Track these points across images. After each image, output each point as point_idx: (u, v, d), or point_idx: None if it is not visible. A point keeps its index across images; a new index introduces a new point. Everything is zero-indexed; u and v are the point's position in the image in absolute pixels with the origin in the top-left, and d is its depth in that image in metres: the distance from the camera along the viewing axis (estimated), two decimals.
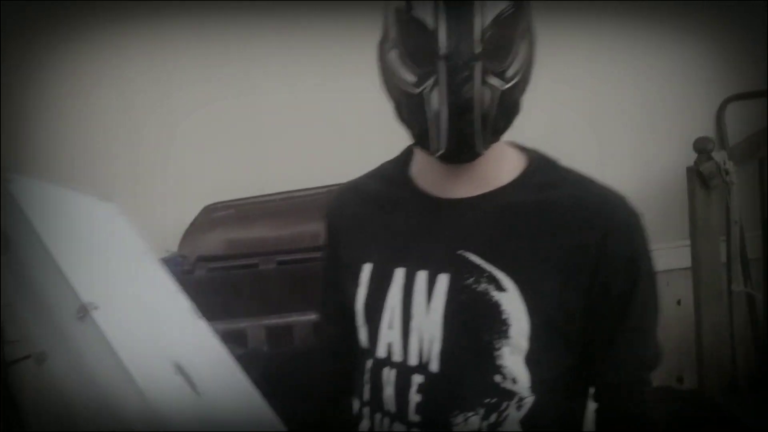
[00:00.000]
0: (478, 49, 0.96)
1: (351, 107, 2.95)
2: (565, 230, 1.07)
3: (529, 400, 1.07)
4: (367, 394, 1.17)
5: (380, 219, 1.20)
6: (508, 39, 1.00)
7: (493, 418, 1.07)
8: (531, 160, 1.16)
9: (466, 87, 0.96)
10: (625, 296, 1.08)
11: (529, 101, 1.09)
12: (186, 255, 2.31)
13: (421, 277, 1.11)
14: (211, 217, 2.62)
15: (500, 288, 1.06)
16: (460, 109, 0.97)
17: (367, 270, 1.17)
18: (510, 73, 1.01)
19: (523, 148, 1.18)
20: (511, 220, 1.09)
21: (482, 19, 0.96)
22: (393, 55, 1.04)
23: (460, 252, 1.09)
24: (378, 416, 1.14)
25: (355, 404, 1.22)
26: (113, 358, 1.07)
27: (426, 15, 0.97)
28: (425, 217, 1.14)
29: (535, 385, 1.07)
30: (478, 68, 0.96)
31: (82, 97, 2.95)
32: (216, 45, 2.98)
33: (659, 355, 1.14)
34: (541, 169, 1.15)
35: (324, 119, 3.04)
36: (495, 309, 1.05)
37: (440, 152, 1.02)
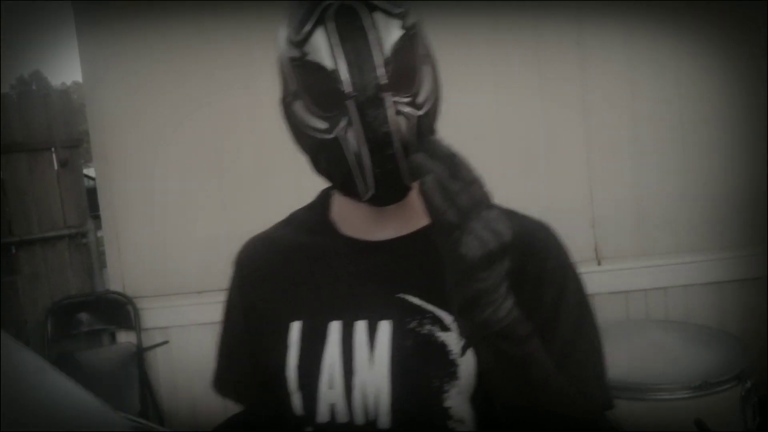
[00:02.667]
0: (383, 81, 0.93)
1: (466, 111, 3.00)
2: None
3: None
4: None
5: (304, 271, 1.11)
6: (410, 66, 0.98)
7: None
8: None
9: (381, 120, 0.93)
10: (552, 317, 1.03)
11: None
12: None
13: (361, 327, 1.03)
14: None
15: (444, 328, 1.01)
16: (379, 145, 0.93)
17: (296, 329, 1.06)
18: (420, 99, 0.98)
19: None
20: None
21: (381, 50, 0.93)
22: (298, 107, 1.01)
23: (399, 295, 1.03)
24: None
25: None
26: None
27: (322, 57, 0.94)
28: (356, 263, 1.08)
29: (480, 424, 1.01)
30: (388, 99, 0.93)
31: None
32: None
33: (605, 395, 1.05)
34: None
35: (438, 120, 3.09)
36: (442, 350, 1.00)
37: (370, 194, 0.97)
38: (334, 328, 1.04)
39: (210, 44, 3.11)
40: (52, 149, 3.89)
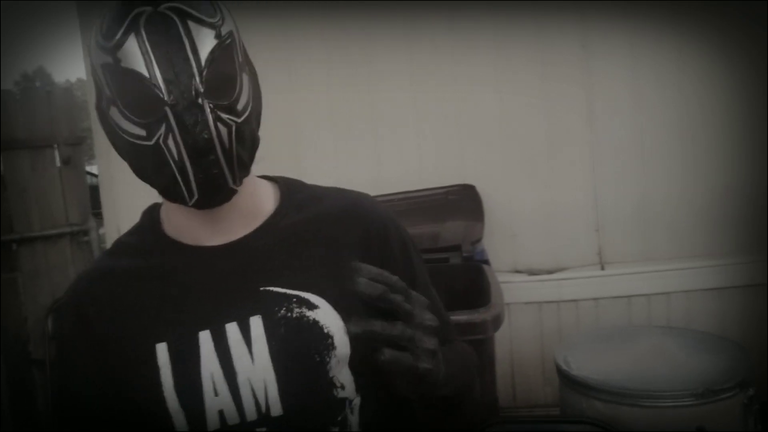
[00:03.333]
0: (202, 88, 0.94)
1: (468, 108, 2.99)
2: (337, 235, 1.12)
3: (357, 401, 1.08)
4: None
5: (154, 292, 1.08)
6: (228, 73, 0.99)
7: (340, 429, 1.06)
8: (282, 185, 1.19)
9: (201, 127, 0.94)
10: (409, 272, 1.15)
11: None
12: None
13: (232, 329, 1.05)
14: None
15: (312, 306, 1.05)
16: (201, 151, 0.94)
17: (162, 350, 1.04)
18: (240, 106, 1.00)
19: (270, 177, 1.21)
20: (290, 243, 1.10)
21: (196, 58, 0.94)
22: (114, 112, 1.00)
23: (262, 288, 1.06)
24: None
25: None
26: None
27: (137, 65, 0.94)
28: (209, 270, 1.08)
29: (359, 386, 1.08)
30: (207, 107, 0.94)
31: None
32: (338, 46, 3.12)
33: (443, 322, 1.09)
34: (293, 191, 1.18)
35: (441, 120, 3.07)
36: (316, 326, 1.04)
37: (195, 199, 0.99)
38: (205, 338, 1.04)
39: None
40: (55, 146, 3.89)
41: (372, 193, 1.31)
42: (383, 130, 3.26)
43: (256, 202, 1.13)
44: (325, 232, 1.12)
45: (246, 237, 1.10)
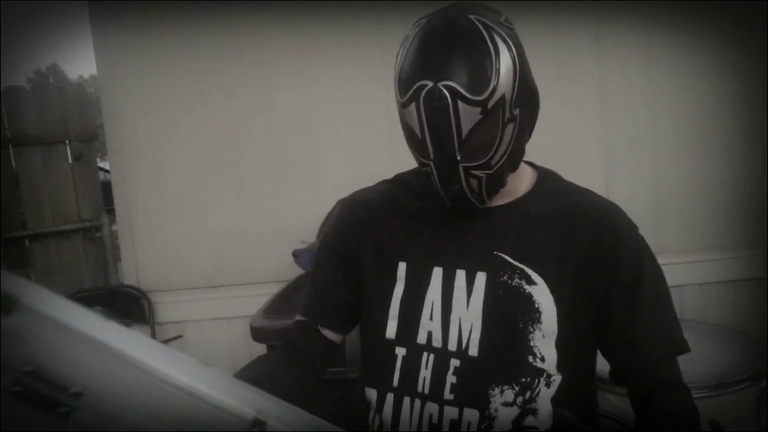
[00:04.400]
0: (459, 157, 1.13)
1: None
2: (577, 231, 1.26)
3: (557, 378, 1.22)
4: (396, 381, 1.27)
5: (412, 223, 1.33)
6: (489, 137, 1.15)
7: (527, 394, 1.21)
8: (540, 174, 1.36)
9: (454, 183, 1.16)
10: (634, 283, 1.25)
11: None
12: None
13: (460, 275, 1.26)
14: None
15: (531, 282, 1.23)
16: (454, 198, 1.19)
17: (402, 268, 1.30)
18: (494, 161, 1.17)
19: (533, 165, 1.39)
20: (532, 224, 1.27)
21: (458, 132, 1.11)
22: (405, 130, 1.21)
23: (495, 252, 1.25)
24: (407, 400, 1.26)
25: (370, 393, 1.32)
26: None
27: (414, 126, 1.15)
28: (460, 223, 1.28)
29: (562, 365, 1.22)
30: (461, 169, 1.15)
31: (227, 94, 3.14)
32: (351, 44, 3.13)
33: (679, 340, 1.29)
34: (548, 181, 1.35)
35: None
36: (528, 299, 1.22)
37: (448, 208, 1.23)
38: (437, 273, 1.27)
39: (226, 39, 3.10)
40: (67, 143, 3.90)
41: None
42: (397, 124, 3.26)
43: (516, 182, 1.29)
44: (563, 223, 1.27)
45: (498, 207, 1.28)
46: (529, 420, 1.21)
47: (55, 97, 3.92)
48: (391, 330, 1.29)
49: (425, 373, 1.25)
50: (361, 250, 1.36)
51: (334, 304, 1.39)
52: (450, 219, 1.29)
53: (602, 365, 2.27)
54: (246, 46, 3.10)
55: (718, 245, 3.11)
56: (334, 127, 3.16)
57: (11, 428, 0.69)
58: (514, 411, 1.21)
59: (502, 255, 1.25)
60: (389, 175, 1.48)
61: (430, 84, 1.10)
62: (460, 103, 1.10)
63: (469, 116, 1.11)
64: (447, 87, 1.09)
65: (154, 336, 3.31)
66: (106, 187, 3.74)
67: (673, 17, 3.00)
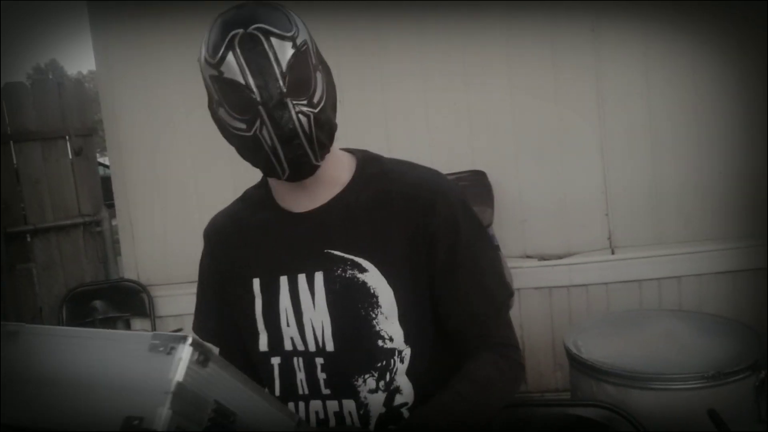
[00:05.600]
0: (284, 89, 1.19)
1: (478, 95, 3.08)
2: (397, 211, 1.33)
3: (407, 351, 1.32)
4: (277, 389, 1.38)
5: (257, 238, 1.42)
6: (305, 75, 1.23)
7: (387, 376, 1.31)
8: (359, 160, 1.42)
9: (286, 120, 1.20)
10: (451, 249, 1.32)
11: None
12: None
13: (302, 279, 1.34)
14: None
15: (363, 270, 1.31)
16: (288, 138, 1.21)
17: (257, 283, 1.39)
18: (316, 99, 1.24)
19: (351, 151, 1.45)
20: (354, 214, 1.35)
21: (279, 67, 1.19)
22: (222, 112, 1.27)
23: (326, 251, 1.33)
24: (292, 405, 1.35)
25: None
26: None
27: (236, 75, 1.20)
28: (292, 230, 1.37)
29: (408, 338, 1.32)
30: (290, 104, 1.20)
31: None
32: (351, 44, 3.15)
33: (500, 295, 1.38)
34: (367, 167, 1.41)
35: (452, 107, 3.11)
36: (363, 287, 1.31)
37: (287, 174, 1.26)
38: (283, 281, 1.36)
39: None
40: (67, 138, 3.90)
41: None
42: (394, 120, 3.28)
43: (335, 173, 1.37)
44: (383, 207, 1.34)
45: (321, 206, 1.36)
46: (398, 398, 1.32)
47: (54, 93, 3.92)
48: (263, 343, 1.38)
49: (301, 376, 1.35)
50: (221, 275, 1.45)
51: (220, 333, 1.44)
52: (285, 226, 1.38)
53: (594, 354, 2.29)
54: None
55: (716, 236, 3.12)
56: None
57: None
58: (380, 396, 1.31)
59: (333, 251, 1.33)
60: None
61: (242, 30, 1.20)
62: (272, 39, 1.20)
63: (282, 49, 1.20)
64: (257, 28, 1.19)
65: (154, 329, 3.32)
66: (106, 182, 3.75)
67: (670, 10, 3.00)
